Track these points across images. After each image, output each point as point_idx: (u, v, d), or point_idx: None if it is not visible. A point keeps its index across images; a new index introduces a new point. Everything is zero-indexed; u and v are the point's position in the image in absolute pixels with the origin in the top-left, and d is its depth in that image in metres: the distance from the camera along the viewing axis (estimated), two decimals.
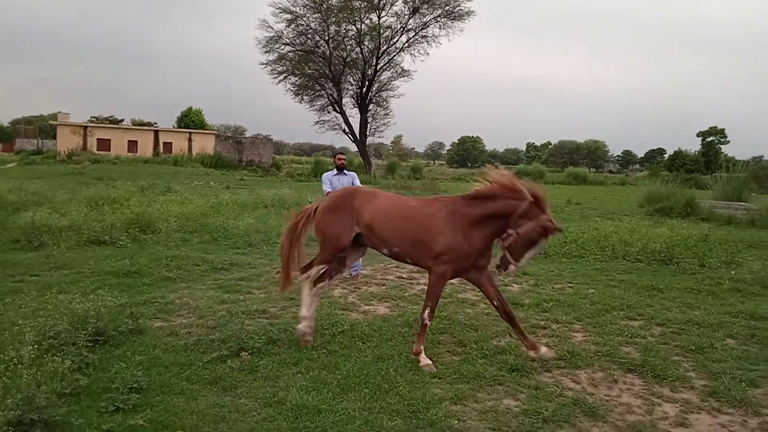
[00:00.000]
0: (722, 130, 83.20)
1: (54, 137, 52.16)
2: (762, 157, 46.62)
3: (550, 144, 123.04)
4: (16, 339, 4.87)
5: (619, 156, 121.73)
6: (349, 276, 8.49)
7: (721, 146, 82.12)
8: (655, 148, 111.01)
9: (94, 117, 71.36)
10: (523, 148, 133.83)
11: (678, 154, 78.34)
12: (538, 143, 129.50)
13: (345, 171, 8.96)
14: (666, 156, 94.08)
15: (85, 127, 48.60)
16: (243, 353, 5.22)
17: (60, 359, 4.47)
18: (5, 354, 4.35)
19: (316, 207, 5.98)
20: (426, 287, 5.87)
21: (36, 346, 4.64)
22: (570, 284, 8.66)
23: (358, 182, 8.87)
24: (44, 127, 71.35)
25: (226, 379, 4.72)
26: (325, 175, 9.02)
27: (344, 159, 9.02)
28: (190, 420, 4.01)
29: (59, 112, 52.14)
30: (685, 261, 10.21)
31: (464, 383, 4.79)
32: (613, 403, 4.54)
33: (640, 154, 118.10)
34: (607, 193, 34.89)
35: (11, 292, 6.95)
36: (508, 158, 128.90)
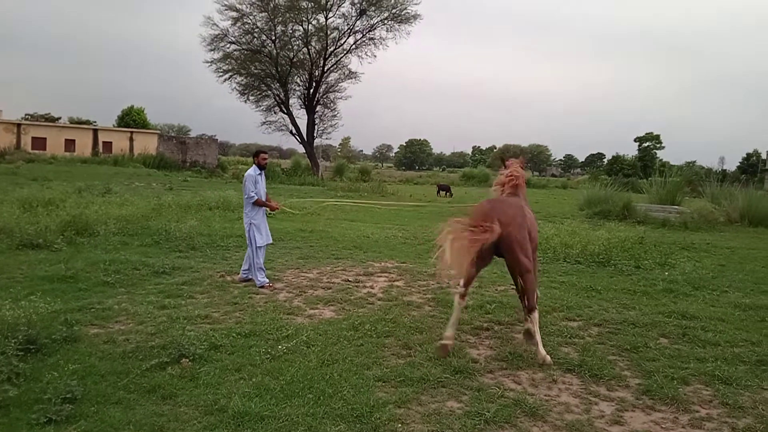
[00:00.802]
0: (657, 136, 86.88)
1: None
2: (695, 162, 48.93)
3: (495, 147, 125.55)
4: None
5: (561, 160, 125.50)
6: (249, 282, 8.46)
7: (656, 151, 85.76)
8: (595, 152, 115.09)
9: (29, 114, 68.57)
10: (469, 151, 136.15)
11: (616, 159, 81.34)
12: (483, 146, 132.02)
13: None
14: (605, 160, 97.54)
15: (19, 125, 46.59)
16: (184, 360, 5.10)
17: None
18: None
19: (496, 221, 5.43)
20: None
21: None
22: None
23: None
24: None
25: (165, 387, 4.59)
26: (250, 174, 8.57)
27: (267, 158, 8.94)
28: (127, 430, 3.89)
29: None
30: (622, 263, 10.60)
31: (408, 386, 4.81)
32: (553, 403, 4.65)
33: (581, 158, 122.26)
34: (549, 196, 35.86)
35: None
36: (455, 161, 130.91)
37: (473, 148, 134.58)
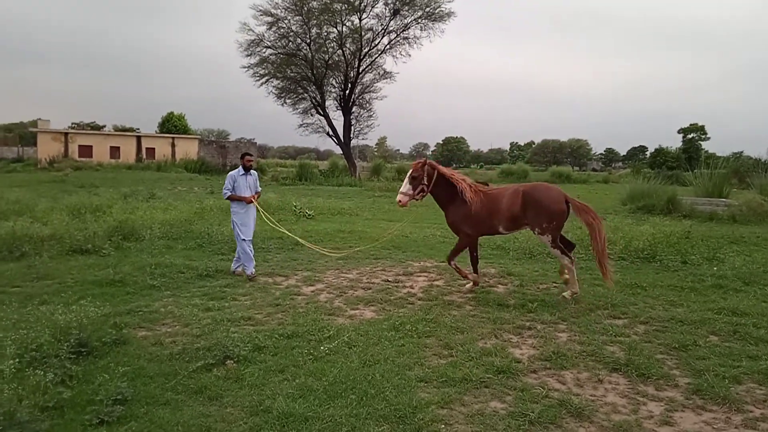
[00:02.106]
0: (702, 127, 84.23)
1: (34, 144, 51.56)
2: (742, 152, 47.10)
3: (534, 143, 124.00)
4: None
5: (601, 154, 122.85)
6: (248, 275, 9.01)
7: (701, 143, 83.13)
8: (636, 145, 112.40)
9: (75, 123, 70.75)
10: (507, 147, 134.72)
11: (659, 152, 79.20)
12: (521, 143, 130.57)
13: (250, 171, 9.52)
14: (648, 153, 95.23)
15: (66, 134, 48.12)
16: (228, 361, 5.19)
17: (42, 372, 4.43)
18: None
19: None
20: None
21: (17, 359, 4.59)
22: (555, 284, 8.71)
23: (258, 181, 9.78)
24: (24, 135, 70.53)
25: (211, 388, 4.69)
26: (231, 174, 9.40)
27: (252, 160, 9.60)
28: (176, 431, 3.98)
29: (39, 119, 51.67)
30: (668, 258, 10.33)
31: (451, 386, 4.79)
32: (599, 403, 4.56)
33: (623, 151, 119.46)
34: (590, 191, 35.13)
35: None
36: (492, 158, 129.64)
37: (511, 144, 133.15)
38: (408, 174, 8.09)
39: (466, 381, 4.89)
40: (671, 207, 19.07)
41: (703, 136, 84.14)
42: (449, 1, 43.61)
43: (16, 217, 12.63)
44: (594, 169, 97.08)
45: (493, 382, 4.92)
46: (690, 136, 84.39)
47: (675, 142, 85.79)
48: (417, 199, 8.17)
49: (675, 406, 4.53)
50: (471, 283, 8.22)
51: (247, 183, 9.37)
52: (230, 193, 9.27)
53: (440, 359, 5.46)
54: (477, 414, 4.32)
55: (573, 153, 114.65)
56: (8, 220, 11.90)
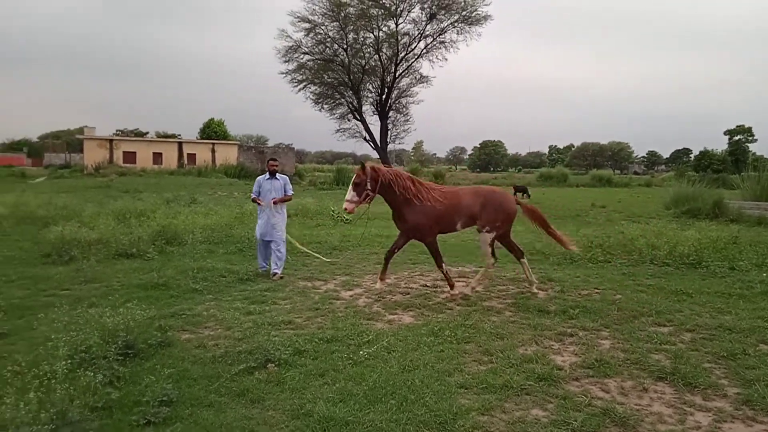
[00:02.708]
0: (749, 129, 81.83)
1: (81, 151, 53.27)
2: None
3: (573, 146, 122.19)
4: (49, 354, 4.97)
5: (644, 157, 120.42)
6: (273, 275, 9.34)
7: (748, 144, 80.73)
8: (680, 148, 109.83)
9: (120, 130, 72.87)
10: (546, 151, 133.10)
11: (704, 154, 77.29)
12: (560, 146, 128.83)
13: (277, 175, 9.86)
14: (692, 156, 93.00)
15: (111, 141, 49.62)
16: (270, 365, 5.26)
17: (92, 373, 4.55)
18: (40, 369, 4.44)
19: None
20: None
21: (69, 360, 4.74)
22: (597, 290, 8.55)
23: (290, 185, 10.03)
24: (71, 142, 73.10)
25: (253, 391, 4.75)
26: (258, 179, 9.92)
27: (276, 165, 9.95)
28: None
29: (85, 127, 53.44)
30: (715, 264, 10.04)
31: (491, 393, 4.75)
32: (644, 413, 4.46)
33: (666, 154, 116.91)
34: (632, 195, 34.44)
35: (43, 307, 7.11)
36: (531, 162, 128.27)
37: (550, 147, 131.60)
38: (351, 181, 8.08)
39: (506, 388, 4.84)
40: (717, 211, 18.54)
41: (751, 138, 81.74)
42: (486, 5, 43.39)
43: (65, 222, 13.09)
44: (636, 173, 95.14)
45: (534, 389, 4.85)
46: (736, 138, 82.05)
47: (721, 145, 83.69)
48: (367, 204, 8.18)
49: (724, 416, 4.39)
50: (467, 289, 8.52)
51: (271, 186, 9.71)
52: (255, 197, 9.74)
53: (480, 365, 5.42)
54: (518, 421, 4.26)
55: (614, 156, 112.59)
56: (57, 225, 12.33)
